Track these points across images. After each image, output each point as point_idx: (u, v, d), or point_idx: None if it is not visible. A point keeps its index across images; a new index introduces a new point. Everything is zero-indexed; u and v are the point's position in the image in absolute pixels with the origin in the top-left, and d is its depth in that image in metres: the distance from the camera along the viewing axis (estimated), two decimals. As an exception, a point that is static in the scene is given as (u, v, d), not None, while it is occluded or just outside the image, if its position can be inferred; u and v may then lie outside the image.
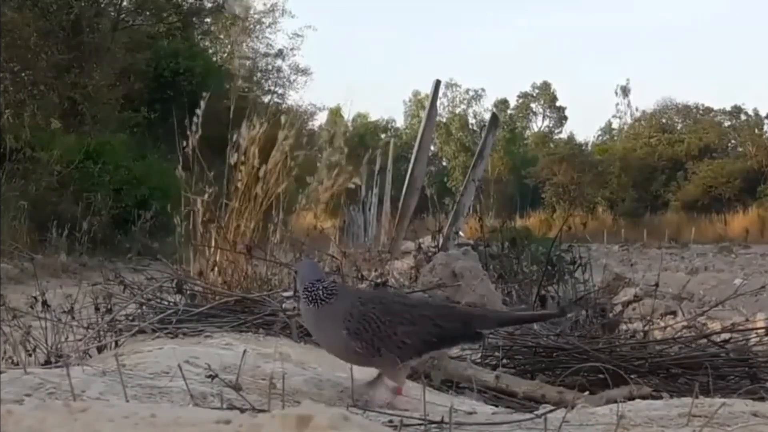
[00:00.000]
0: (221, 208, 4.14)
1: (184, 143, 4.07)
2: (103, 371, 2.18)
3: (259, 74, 28.72)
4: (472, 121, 45.77)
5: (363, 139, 37.18)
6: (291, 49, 28.86)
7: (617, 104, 50.90)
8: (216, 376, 2.01)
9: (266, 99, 25.95)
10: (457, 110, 46.01)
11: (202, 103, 4.15)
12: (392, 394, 2.25)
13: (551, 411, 1.90)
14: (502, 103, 46.32)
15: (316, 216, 5.12)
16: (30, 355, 2.99)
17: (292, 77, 29.07)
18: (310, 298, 2.26)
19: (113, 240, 12.54)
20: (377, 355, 2.22)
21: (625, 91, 46.36)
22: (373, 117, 47.37)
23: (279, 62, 29.06)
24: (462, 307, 2.62)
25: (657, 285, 4.40)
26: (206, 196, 4.07)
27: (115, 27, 19.34)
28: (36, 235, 12.56)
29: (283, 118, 4.33)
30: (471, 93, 46.32)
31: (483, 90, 46.56)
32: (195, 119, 4.11)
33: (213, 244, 4.07)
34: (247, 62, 28.30)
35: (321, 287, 2.26)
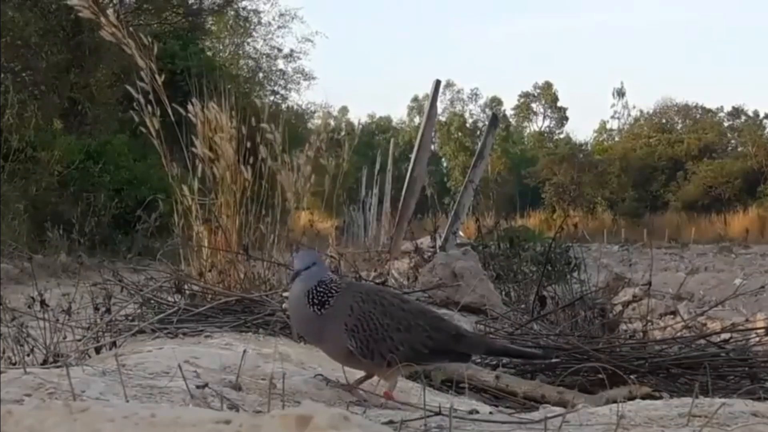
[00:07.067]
0: (213, 207, 4.12)
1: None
2: (103, 371, 2.18)
3: (261, 75, 28.78)
4: (471, 120, 45.84)
5: (370, 140, 37.25)
6: (298, 52, 28.92)
7: (612, 105, 50.99)
8: (206, 385, 1.99)
9: (267, 100, 25.96)
10: (456, 109, 46.08)
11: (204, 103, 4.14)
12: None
13: (556, 416, 1.89)
14: (494, 101, 46.34)
15: (312, 214, 5.11)
16: (28, 355, 2.99)
17: (296, 78, 29.16)
18: (316, 300, 2.20)
19: (113, 240, 12.53)
20: (369, 357, 2.19)
21: (620, 93, 46.48)
22: (372, 117, 47.47)
23: (282, 65, 29.12)
24: (454, 323, 2.61)
25: (650, 284, 4.40)
26: (190, 191, 4.05)
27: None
28: (36, 235, 12.56)
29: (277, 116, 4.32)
30: (470, 93, 46.47)
31: (495, 95, 46.82)
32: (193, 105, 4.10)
33: (208, 244, 4.06)
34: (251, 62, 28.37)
35: (331, 287, 2.21)
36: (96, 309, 3.36)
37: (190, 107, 4.09)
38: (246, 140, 4.18)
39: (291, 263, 2.43)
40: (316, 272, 2.23)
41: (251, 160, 4.16)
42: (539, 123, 48.38)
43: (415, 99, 46.32)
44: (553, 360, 3.05)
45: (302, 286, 2.22)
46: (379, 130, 45.92)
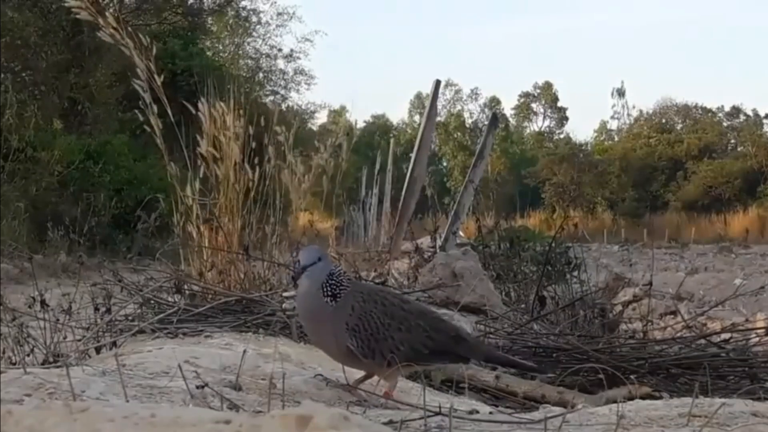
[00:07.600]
0: (214, 207, 4.11)
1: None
2: (103, 371, 2.18)
3: (261, 74, 28.82)
4: (470, 120, 45.86)
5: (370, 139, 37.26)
6: (298, 53, 28.96)
7: (613, 105, 51.01)
8: (206, 385, 1.99)
9: (267, 99, 26.00)
10: (456, 109, 46.11)
11: (202, 102, 4.13)
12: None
13: (556, 416, 1.89)
14: (494, 101, 46.33)
15: (311, 215, 5.11)
16: (28, 355, 2.99)
17: (296, 78, 29.21)
18: (329, 292, 2.20)
19: (113, 240, 12.53)
20: (370, 356, 2.19)
21: (620, 92, 46.50)
22: (373, 117, 47.50)
23: (282, 64, 29.16)
24: (453, 325, 2.60)
25: (651, 284, 4.40)
26: (193, 191, 4.04)
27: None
28: (36, 235, 12.56)
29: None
30: (470, 93, 46.49)
31: (495, 95, 46.81)
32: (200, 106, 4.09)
33: (208, 244, 4.06)
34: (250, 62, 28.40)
35: (340, 279, 2.21)
36: (96, 309, 3.36)
37: (200, 105, 4.09)
38: (251, 140, 4.18)
39: (295, 259, 2.43)
40: (323, 267, 2.23)
41: (256, 160, 4.15)
42: (539, 123, 48.41)
43: (418, 96, 46.32)
44: (549, 375, 3.05)
45: (312, 282, 2.22)
46: (380, 130, 45.89)
